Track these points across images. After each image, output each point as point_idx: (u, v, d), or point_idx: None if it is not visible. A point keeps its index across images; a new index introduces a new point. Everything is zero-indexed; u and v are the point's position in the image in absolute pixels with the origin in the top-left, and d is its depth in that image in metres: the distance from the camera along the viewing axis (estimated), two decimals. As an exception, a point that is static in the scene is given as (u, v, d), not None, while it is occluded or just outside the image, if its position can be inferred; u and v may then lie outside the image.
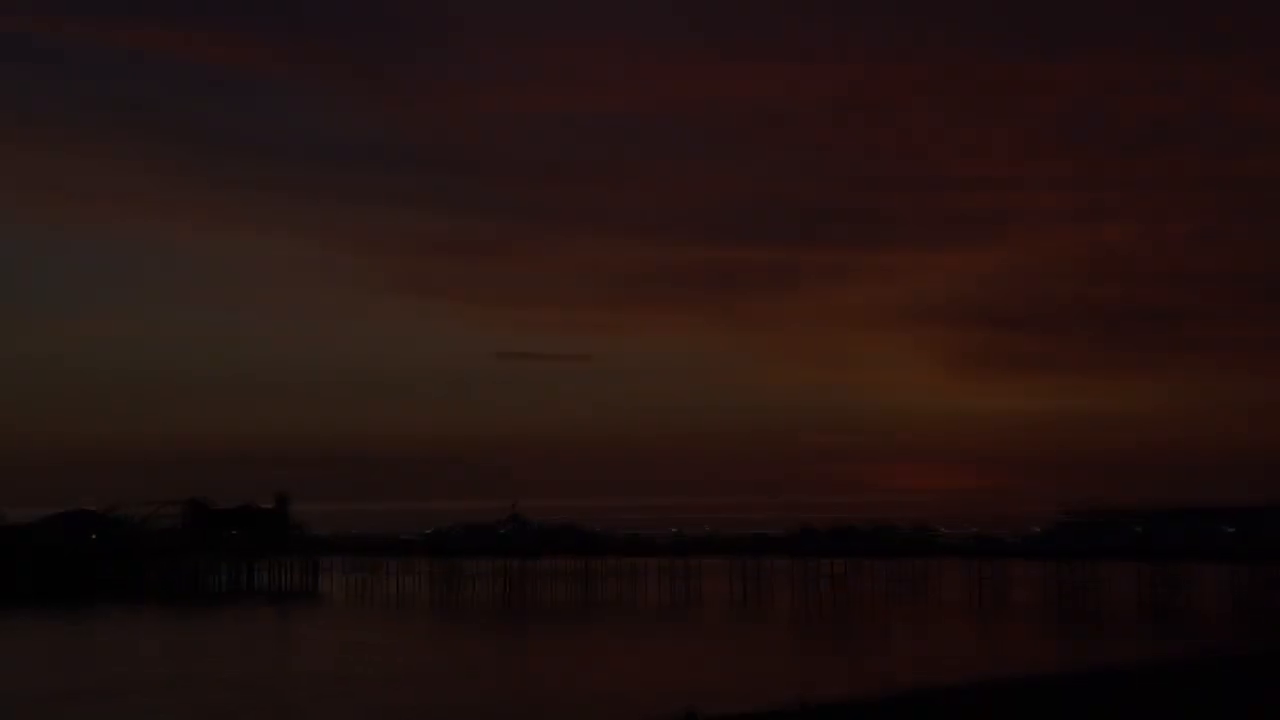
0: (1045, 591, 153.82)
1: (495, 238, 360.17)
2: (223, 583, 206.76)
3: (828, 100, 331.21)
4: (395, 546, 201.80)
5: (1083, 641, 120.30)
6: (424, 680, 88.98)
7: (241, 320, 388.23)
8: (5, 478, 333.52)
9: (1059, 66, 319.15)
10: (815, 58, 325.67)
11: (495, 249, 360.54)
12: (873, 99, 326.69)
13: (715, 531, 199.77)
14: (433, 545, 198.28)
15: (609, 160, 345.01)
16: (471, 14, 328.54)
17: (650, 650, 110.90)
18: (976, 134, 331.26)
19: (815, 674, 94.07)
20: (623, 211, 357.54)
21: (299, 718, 69.90)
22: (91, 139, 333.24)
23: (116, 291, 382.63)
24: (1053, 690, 62.63)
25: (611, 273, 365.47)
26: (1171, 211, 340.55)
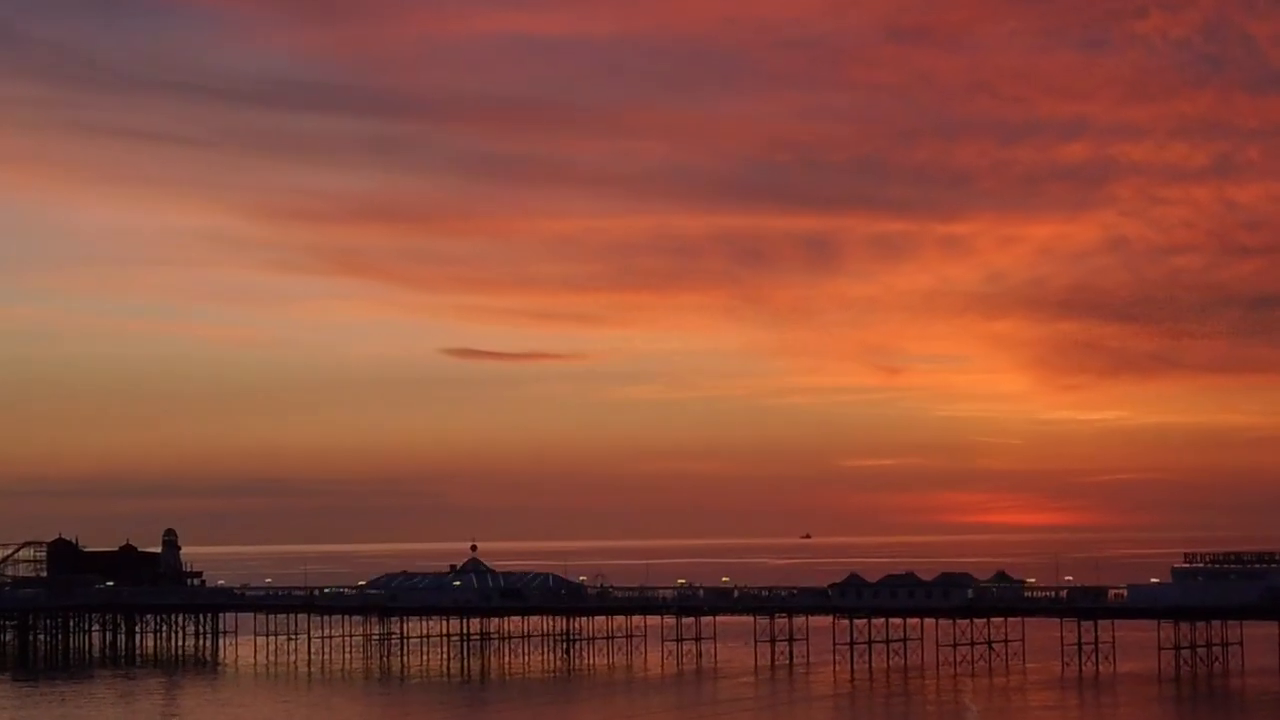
0: (1162, 660, 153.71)
1: (444, 198, 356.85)
2: (96, 646, 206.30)
3: (879, 22, 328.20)
4: (318, 601, 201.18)
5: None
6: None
7: (117, 308, 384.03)
8: None
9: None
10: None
11: (443, 213, 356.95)
12: (936, 20, 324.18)
13: (734, 582, 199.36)
14: (367, 600, 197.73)
15: (595, 97, 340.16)
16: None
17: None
18: (1073, 65, 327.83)
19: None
20: (612, 164, 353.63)
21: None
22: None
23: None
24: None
25: (597, 244, 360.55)
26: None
